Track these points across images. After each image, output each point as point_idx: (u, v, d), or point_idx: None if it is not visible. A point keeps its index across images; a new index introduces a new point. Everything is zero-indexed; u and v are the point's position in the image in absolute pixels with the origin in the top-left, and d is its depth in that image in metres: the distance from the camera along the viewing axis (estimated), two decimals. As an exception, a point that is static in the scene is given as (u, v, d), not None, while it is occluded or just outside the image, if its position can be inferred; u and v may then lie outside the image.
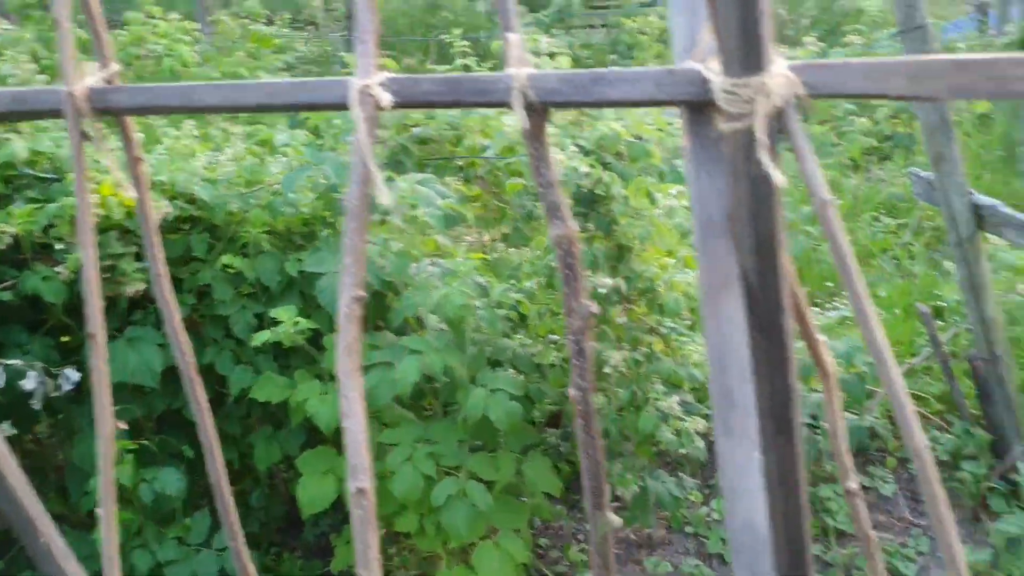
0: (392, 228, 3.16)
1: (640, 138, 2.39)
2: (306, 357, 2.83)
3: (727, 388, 0.86)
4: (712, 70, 0.75)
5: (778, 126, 0.74)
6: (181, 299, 2.73)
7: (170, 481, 2.66)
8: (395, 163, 3.00)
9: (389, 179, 2.83)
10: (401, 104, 0.83)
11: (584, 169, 2.31)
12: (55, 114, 0.99)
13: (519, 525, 2.68)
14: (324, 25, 10.59)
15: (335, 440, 2.76)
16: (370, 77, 0.82)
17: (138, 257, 2.60)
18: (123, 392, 2.71)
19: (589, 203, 2.42)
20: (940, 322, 3.91)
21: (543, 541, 3.13)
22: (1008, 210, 2.65)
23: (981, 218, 2.73)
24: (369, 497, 0.91)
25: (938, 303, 4.00)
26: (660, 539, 3.01)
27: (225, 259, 2.69)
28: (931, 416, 3.37)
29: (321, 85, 0.86)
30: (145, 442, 2.66)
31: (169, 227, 2.76)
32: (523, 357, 2.65)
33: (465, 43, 4.81)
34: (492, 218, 3.62)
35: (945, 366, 3.11)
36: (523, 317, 2.94)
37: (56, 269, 2.41)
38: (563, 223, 0.84)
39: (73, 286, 2.49)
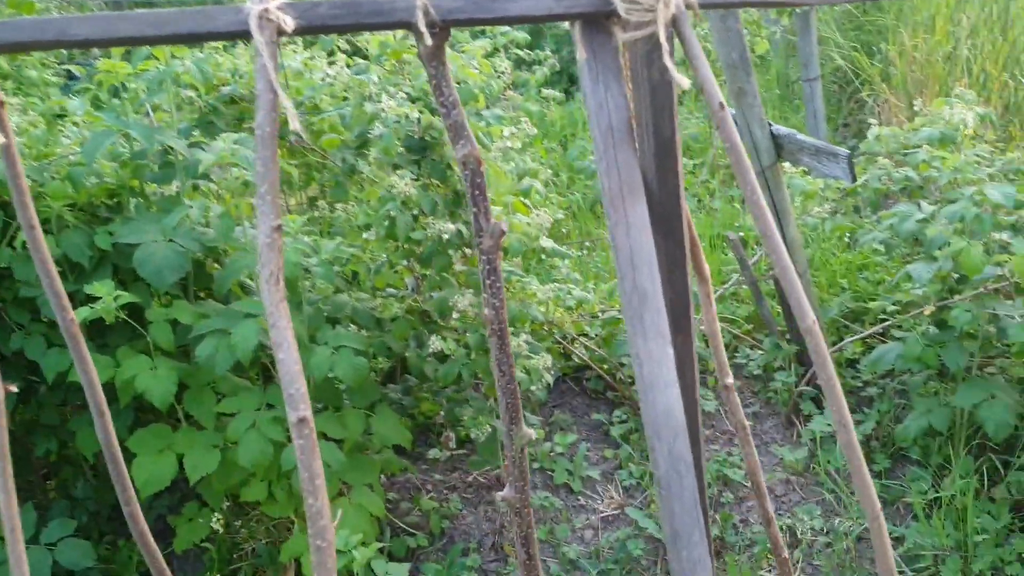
0: (209, 192, 3.03)
1: (465, 83, 2.40)
2: (126, 333, 2.67)
3: (640, 287, 0.90)
4: (611, -19, 0.78)
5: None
6: (-23, 284, 2.50)
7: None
8: (206, 124, 2.86)
9: (198, 143, 2.70)
10: (299, 26, 0.80)
11: (414, 115, 2.30)
12: None
13: (371, 480, 2.68)
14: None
15: (169, 416, 2.64)
16: (269, 1, 0.79)
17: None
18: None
19: (421, 150, 2.41)
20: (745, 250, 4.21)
21: (392, 495, 3.13)
22: (803, 137, 2.88)
23: (780, 147, 2.95)
24: (310, 425, 0.89)
25: (739, 235, 4.29)
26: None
27: (24, 236, 2.48)
28: (743, 336, 3.63)
29: (217, 12, 0.82)
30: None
31: (-45, 206, 2.51)
32: (363, 312, 2.62)
33: None
34: (307, 175, 3.53)
35: (754, 287, 3.35)
36: (355, 274, 2.91)
37: None
38: (468, 143, 0.84)
39: None
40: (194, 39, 0.84)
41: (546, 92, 4.72)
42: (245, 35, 0.81)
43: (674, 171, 0.83)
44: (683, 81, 0.77)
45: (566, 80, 7.16)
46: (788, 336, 3.33)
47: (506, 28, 4.97)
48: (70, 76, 5.20)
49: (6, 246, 2.54)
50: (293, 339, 0.88)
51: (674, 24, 0.76)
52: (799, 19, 4.70)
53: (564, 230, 4.95)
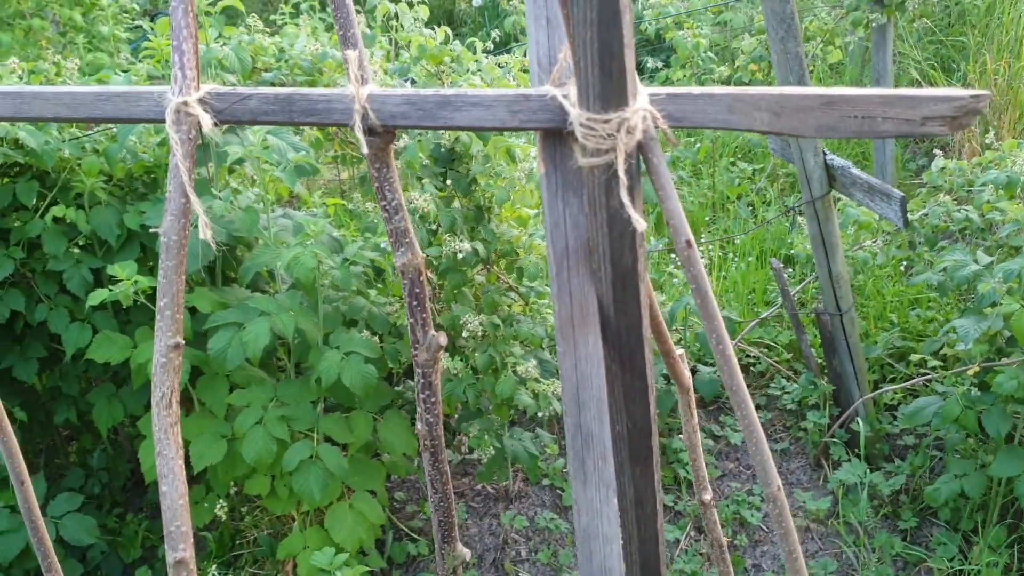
0: (243, 177, 3.00)
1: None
2: (148, 313, 2.67)
3: (585, 428, 0.83)
4: (571, 99, 0.70)
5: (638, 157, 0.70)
6: (8, 252, 2.52)
7: None
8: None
9: (231, 130, 2.67)
10: (225, 122, 0.74)
11: (444, 127, 2.22)
12: None
13: (375, 486, 2.65)
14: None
15: (183, 399, 2.64)
16: (190, 93, 0.73)
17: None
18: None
19: (448, 161, 2.35)
20: (790, 270, 4.07)
21: (399, 495, 3.11)
22: (857, 171, 2.73)
23: (833, 178, 2.81)
24: (189, 567, 0.83)
25: (790, 252, 4.15)
26: (517, 492, 3.04)
27: (57, 210, 2.48)
28: (779, 365, 3.51)
29: (137, 98, 0.76)
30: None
31: (-8, 173, 2.53)
32: (379, 317, 2.58)
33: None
34: (351, 156, 3.50)
35: (795, 319, 3.22)
36: (379, 272, 2.87)
37: None
38: (410, 250, 0.77)
39: None
40: (113, 122, 0.78)
41: (443, 89, 4.60)
42: (157, 121, 0.75)
43: (635, 300, 0.75)
44: (640, 223, 0.69)
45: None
46: (826, 373, 3.21)
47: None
48: (142, 32, 5.24)
49: (39, 218, 2.55)
50: (181, 470, 0.83)
51: (640, 150, 0.68)
52: (876, 31, 4.49)
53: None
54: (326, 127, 0.73)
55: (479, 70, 2.55)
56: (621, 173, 0.67)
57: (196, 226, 2.50)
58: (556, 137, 0.75)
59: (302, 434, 2.57)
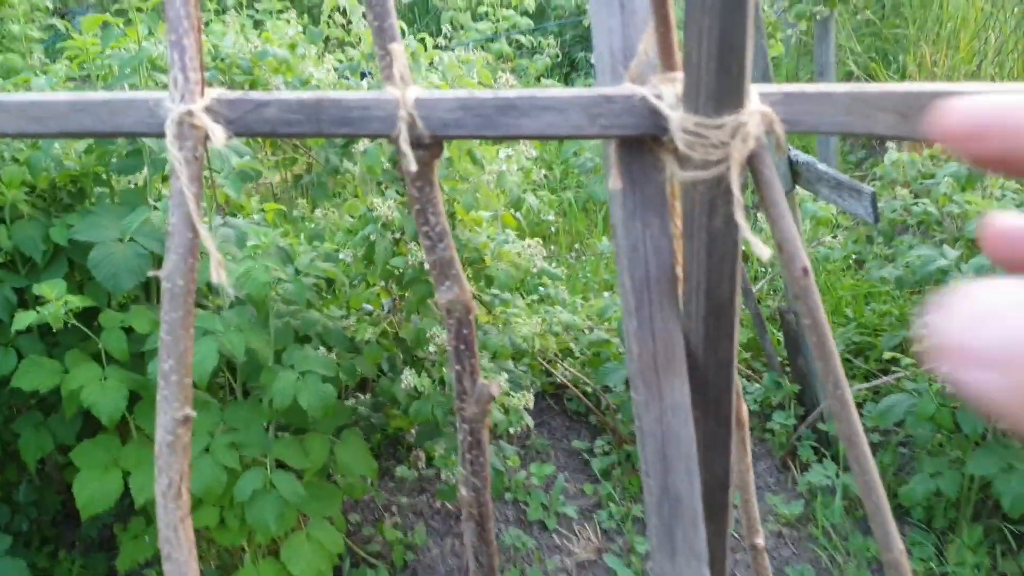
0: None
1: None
2: (78, 335, 2.46)
3: (672, 492, 0.70)
4: (665, 99, 0.58)
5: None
6: (-83, 274, 2.28)
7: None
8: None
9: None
10: (239, 134, 0.59)
11: (404, 129, 2.08)
12: None
13: (332, 512, 2.49)
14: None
15: (119, 427, 2.44)
16: (194, 100, 0.58)
17: None
18: None
19: (408, 165, 2.19)
20: (748, 267, 4.02)
21: (354, 517, 2.95)
22: (823, 167, 2.67)
23: (797, 174, 2.75)
24: None
25: (749, 250, 4.11)
26: (480, 509, 2.91)
27: (-27, 226, 2.26)
28: (740, 364, 3.45)
29: (127, 105, 0.60)
30: None
31: None
32: (334, 331, 2.42)
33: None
34: (285, 159, 3.33)
35: (756, 317, 3.16)
36: (330, 283, 2.70)
37: None
38: (457, 284, 0.64)
39: None
40: (93, 136, 0.63)
41: (545, 82, 4.50)
42: (155, 135, 0.60)
43: (729, 337, 0.64)
44: (763, 251, 0.57)
45: (567, 66, 6.92)
46: (789, 372, 3.15)
47: (508, 11, 4.72)
48: (55, 31, 4.93)
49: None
50: (195, 573, 0.68)
51: (750, 162, 0.57)
52: (818, 24, 4.48)
53: (553, 229, 4.75)
54: (362, 137, 0.60)
55: (433, 68, 2.41)
56: (735, 188, 0.55)
57: (130, 240, 2.30)
58: (637, 146, 0.62)
59: (253, 460, 2.39)
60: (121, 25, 2.46)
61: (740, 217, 0.58)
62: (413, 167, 0.60)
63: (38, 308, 2.17)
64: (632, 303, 0.66)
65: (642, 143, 0.62)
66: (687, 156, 0.57)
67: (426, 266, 2.12)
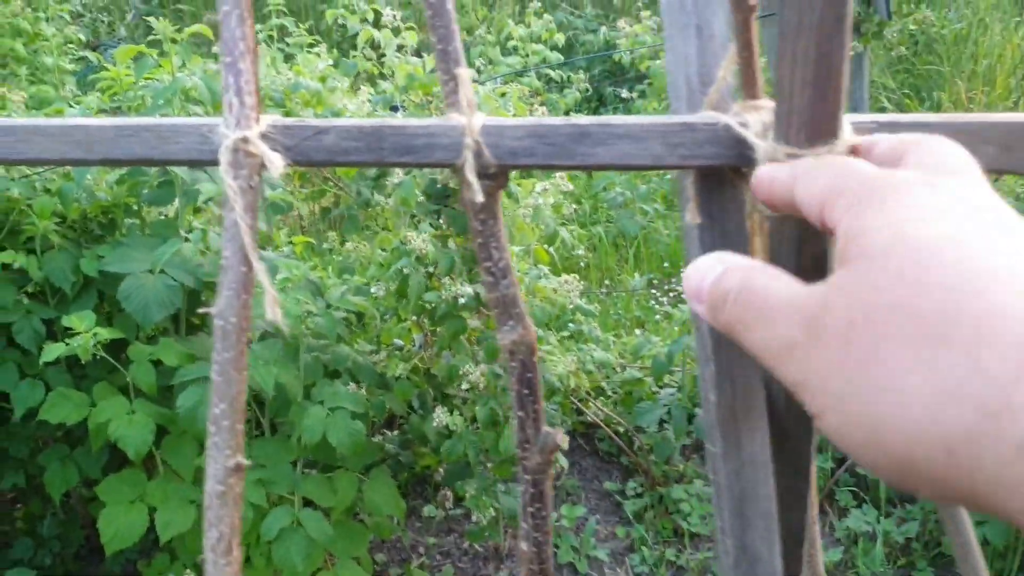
0: (210, 217, 2.79)
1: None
2: (106, 367, 2.43)
3: (751, 551, 0.65)
4: (751, 128, 0.53)
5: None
6: (-52, 304, 2.26)
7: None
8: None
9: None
10: (296, 163, 0.56)
11: (439, 162, 2.05)
12: None
13: (359, 552, 2.43)
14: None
15: (145, 461, 2.40)
16: (250, 125, 0.54)
17: None
18: None
19: (442, 198, 2.17)
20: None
21: (380, 557, 2.89)
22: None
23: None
24: None
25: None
26: (509, 550, 2.84)
27: (5, 256, 2.24)
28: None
29: (174, 132, 0.57)
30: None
31: (-70, 217, 2.29)
32: (365, 367, 2.38)
33: (280, 0, 4.36)
34: (314, 191, 3.30)
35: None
36: (360, 317, 2.67)
37: None
38: (520, 324, 0.60)
39: None
40: (141, 164, 0.60)
41: (575, 117, 4.47)
42: (207, 163, 0.57)
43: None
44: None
45: (595, 100, 6.92)
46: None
47: (537, 46, 4.72)
48: (88, 63, 4.99)
49: (-19, 263, 2.31)
50: None
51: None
52: (852, 61, 4.45)
53: (583, 264, 4.70)
54: (426, 167, 0.58)
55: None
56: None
57: (160, 272, 2.28)
58: (718, 178, 0.58)
59: (280, 498, 2.35)
60: (155, 56, 2.46)
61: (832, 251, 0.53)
62: (479, 198, 0.57)
63: (67, 340, 2.15)
64: (710, 347, 0.61)
65: (723, 175, 0.58)
66: (775, 190, 0.53)
67: (460, 300, 2.08)
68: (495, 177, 0.57)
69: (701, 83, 0.58)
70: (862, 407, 0.37)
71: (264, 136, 0.56)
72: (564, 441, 0.64)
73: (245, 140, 0.55)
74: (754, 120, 0.54)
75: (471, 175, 0.56)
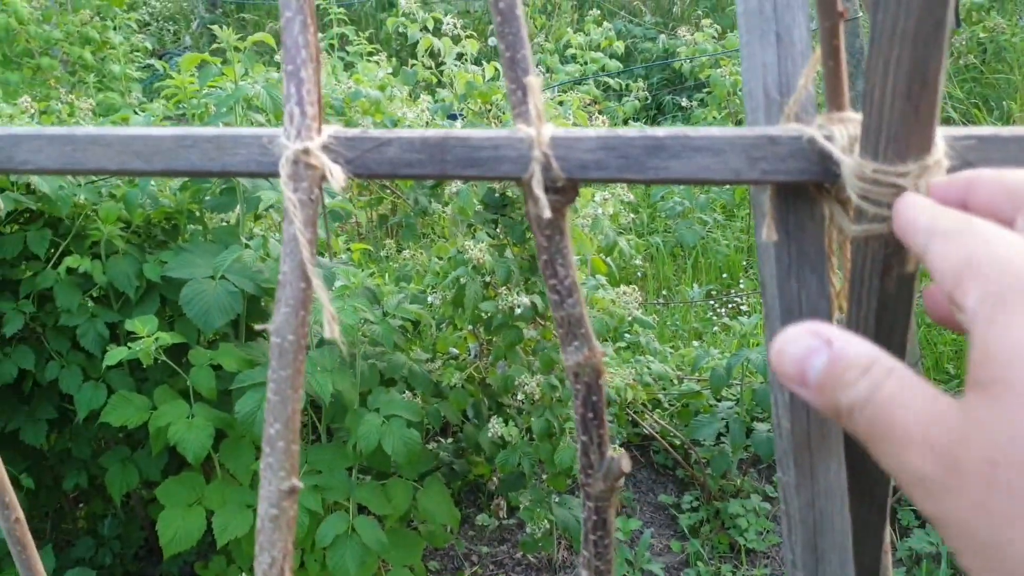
0: (270, 224, 2.82)
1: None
2: (167, 371, 2.47)
3: (825, 591, 0.63)
4: (836, 141, 0.51)
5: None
6: (19, 306, 2.32)
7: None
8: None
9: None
10: (358, 175, 0.55)
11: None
12: None
13: (413, 560, 2.42)
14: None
15: (204, 465, 2.43)
16: (311, 136, 0.54)
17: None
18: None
19: (500, 207, 2.16)
20: (840, 317, 3.87)
21: (434, 565, 2.88)
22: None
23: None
24: None
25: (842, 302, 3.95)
26: (562, 562, 2.81)
27: (71, 260, 2.29)
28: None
29: (235, 142, 0.56)
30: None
31: (1, 221, 2.34)
32: (420, 375, 2.37)
33: (341, 10, 4.41)
34: (371, 199, 3.32)
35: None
36: (416, 325, 2.67)
37: None
38: (587, 344, 0.58)
39: None
40: (200, 175, 0.59)
41: (634, 125, 4.44)
42: (267, 175, 0.56)
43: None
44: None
45: (654, 108, 6.86)
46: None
47: (596, 54, 4.68)
48: (154, 71, 5.09)
49: (51, 268, 2.36)
50: None
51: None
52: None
53: (640, 274, 4.65)
54: (491, 180, 0.56)
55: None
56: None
57: (221, 278, 2.30)
58: (797, 194, 0.55)
59: (335, 504, 2.36)
60: (219, 64, 2.50)
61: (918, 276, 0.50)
62: (547, 213, 0.55)
63: (130, 344, 2.18)
64: (784, 371, 0.58)
65: (803, 191, 0.55)
66: (860, 207, 0.50)
67: (517, 310, 2.07)
68: (564, 191, 0.55)
69: (780, 94, 0.56)
70: (1014, 563, 0.33)
71: (325, 148, 0.55)
72: (628, 466, 0.61)
73: (306, 152, 0.54)
74: (839, 133, 0.51)
75: (539, 189, 0.54)
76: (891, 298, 0.53)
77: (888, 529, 0.74)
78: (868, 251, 0.52)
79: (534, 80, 0.54)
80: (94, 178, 2.45)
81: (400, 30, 2.50)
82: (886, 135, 0.48)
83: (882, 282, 0.52)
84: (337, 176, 0.53)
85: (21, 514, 0.79)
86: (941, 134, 0.49)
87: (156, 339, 2.17)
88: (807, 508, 0.60)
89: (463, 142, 0.55)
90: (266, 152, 0.56)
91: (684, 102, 5.12)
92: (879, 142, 0.48)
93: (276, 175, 0.55)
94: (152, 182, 2.48)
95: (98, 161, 0.59)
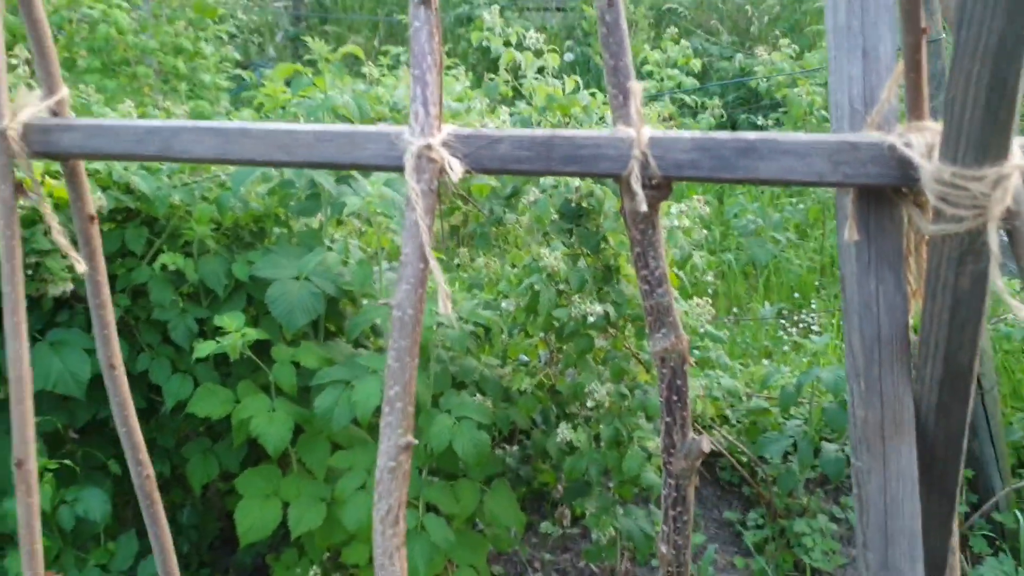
0: (351, 226, 2.91)
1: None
2: (250, 366, 2.57)
3: (893, 567, 0.66)
4: (915, 148, 0.55)
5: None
6: (115, 300, 2.44)
7: (94, 504, 2.38)
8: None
9: (347, 178, 2.56)
10: (471, 170, 0.60)
11: (575, 180, 2.09)
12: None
13: (478, 561, 2.47)
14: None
15: (281, 458, 2.52)
16: (433, 134, 0.59)
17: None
18: (44, 400, 2.42)
19: (576, 217, 2.21)
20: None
21: (497, 569, 2.93)
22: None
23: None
24: None
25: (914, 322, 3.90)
26: (624, 573, 2.84)
27: (165, 258, 2.40)
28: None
29: (365, 138, 0.63)
30: (67, 462, 2.37)
31: (101, 218, 2.47)
32: (491, 380, 2.43)
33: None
34: (447, 209, 3.39)
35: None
36: (487, 331, 2.73)
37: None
38: (674, 332, 0.62)
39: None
40: (332, 167, 0.65)
41: (741, 132, 4.44)
42: (392, 169, 0.62)
43: (963, 405, 0.59)
44: (1019, 309, 0.53)
45: (729, 126, 6.84)
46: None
47: (673, 71, 4.71)
48: (241, 81, 5.29)
49: (146, 264, 2.48)
50: None
51: (1006, 218, 0.53)
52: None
53: (711, 291, 4.65)
54: (593, 176, 0.61)
55: (603, 122, 2.43)
56: (992, 244, 0.52)
57: (305, 279, 2.39)
58: (877, 197, 0.59)
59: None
60: (310, 75, 2.60)
61: (996, 275, 0.54)
62: (643, 207, 0.60)
63: (218, 339, 2.28)
64: (861, 363, 0.62)
65: (883, 194, 0.59)
66: (937, 209, 0.54)
67: (589, 319, 2.11)
68: (659, 188, 0.60)
69: (865, 104, 0.60)
70: None
71: (445, 144, 0.60)
72: (708, 447, 0.65)
73: (428, 147, 0.59)
74: (918, 141, 0.55)
75: (637, 185, 0.59)
76: (965, 294, 0.56)
77: (959, 555, 0.76)
78: (944, 249, 0.56)
79: (635, 85, 0.59)
80: (188, 180, 2.57)
81: (483, 44, 2.57)
82: (965, 142, 0.52)
83: (957, 279, 0.56)
84: (456, 169, 0.59)
85: (152, 471, 0.87)
86: (1018, 142, 0.53)
87: (243, 335, 2.27)
88: (878, 492, 0.64)
89: (568, 141, 0.61)
90: (393, 147, 0.62)
91: (759, 120, 5.11)
92: (958, 148, 0.52)
93: (400, 169, 0.61)
94: (243, 189, 2.59)
95: (246, 152, 0.66)
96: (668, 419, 0.65)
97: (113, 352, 0.97)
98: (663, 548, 0.69)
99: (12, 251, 0.77)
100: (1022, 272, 0.57)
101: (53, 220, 0.82)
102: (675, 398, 0.64)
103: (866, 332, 0.64)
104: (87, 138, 0.70)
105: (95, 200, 2.22)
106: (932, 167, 0.53)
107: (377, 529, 0.64)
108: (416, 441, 0.65)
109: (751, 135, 0.58)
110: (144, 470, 0.80)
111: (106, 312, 0.88)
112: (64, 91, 0.74)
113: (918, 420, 0.62)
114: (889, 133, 0.57)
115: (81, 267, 0.82)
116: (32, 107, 0.73)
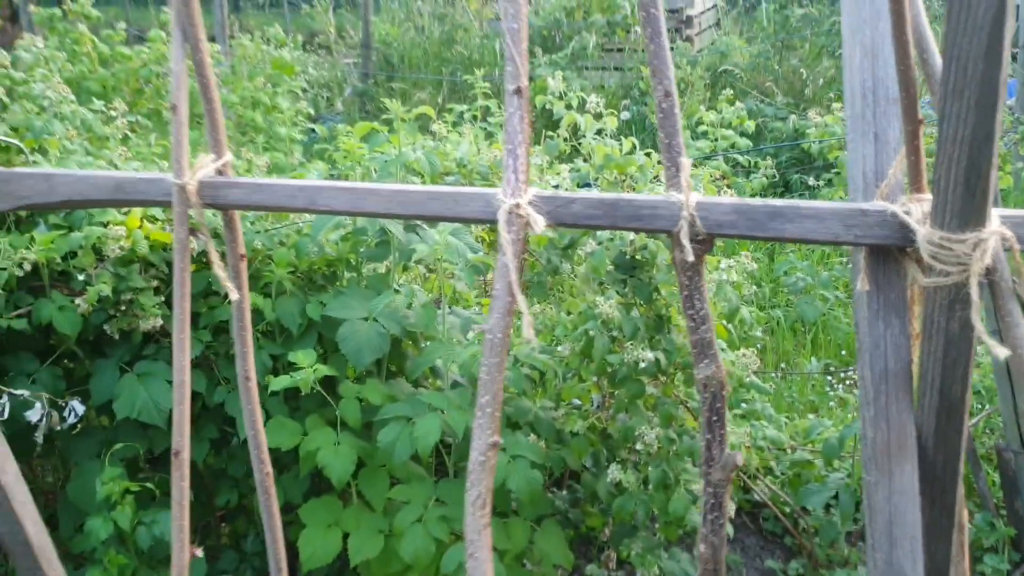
0: (416, 274, 3.08)
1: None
2: (318, 401, 2.73)
3: (896, 567, 0.77)
4: (913, 216, 0.68)
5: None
6: (197, 335, 2.63)
7: (169, 526, 2.53)
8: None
9: (415, 227, 2.73)
10: (551, 224, 0.75)
11: (630, 235, 2.23)
12: (161, 203, 0.90)
13: (528, 597, 2.58)
14: (337, 51, 10.53)
15: (342, 491, 2.66)
16: (521, 195, 0.74)
17: (157, 291, 2.51)
18: (127, 428, 2.61)
19: (630, 268, 2.34)
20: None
21: (545, 607, 3.01)
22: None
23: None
24: None
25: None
26: (669, 616, 2.91)
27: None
28: (949, 505, 3.29)
29: (466, 199, 0.78)
30: (147, 484, 2.54)
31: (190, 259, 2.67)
32: (544, 421, 2.55)
33: (486, 84, 4.73)
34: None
35: (971, 455, 3.04)
36: (542, 375, 2.86)
37: (76, 301, 2.30)
38: (714, 362, 0.76)
39: (89, 318, 2.39)
40: (439, 220, 0.80)
41: (770, 199, 4.55)
42: (487, 222, 0.77)
43: (958, 433, 0.71)
44: (999, 351, 0.65)
45: (781, 186, 6.94)
46: (1004, 515, 2.99)
47: (727, 131, 4.85)
48: (312, 132, 5.56)
49: (227, 303, 2.67)
50: (491, 573, 0.81)
51: (988, 273, 0.66)
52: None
53: (759, 346, 4.72)
54: (649, 232, 0.74)
55: (658, 180, 2.57)
56: (974, 296, 0.64)
57: (373, 320, 2.55)
58: (884, 255, 0.73)
59: (458, 536, 2.54)
60: (386, 132, 2.80)
61: (976, 320, 0.66)
62: (690, 258, 0.73)
63: (292, 374, 2.45)
64: (871, 393, 0.75)
65: (889, 252, 0.72)
66: (930, 265, 0.67)
67: (640, 365, 2.24)
68: (703, 243, 0.74)
69: (875, 178, 0.73)
70: None
71: (531, 203, 0.75)
72: (741, 460, 0.78)
73: (518, 206, 0.74)
74: (916, 209, 0.68)
75: (685, 240, 0.73)
76: (956, 336, 0.69)
77: (966, 549, 0.87)
78: (937, 298, 0.68)
79: (686, 161, 0.74)
80: (269, 227, 2.77)
81: (547, 107, 2.75)
82: (950, 212, 0.65)
83: (948, 323, 0.68)
84: (539, 223, 0.74)
85: (271, 469, 1.02)
86: (996, 213, 0.66)
87: (315, 370, 2.43)
88: (884, 502, 0.76)
89: (630, 203, 0.75)
90: (489, 205, 0.77)
91: (812, 181, 5.21)
92: (945, 217, 0.65)
93: (493, 223, 0.76)
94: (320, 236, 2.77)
95: (372, 206, 0.82)
96: (708, 436, 0.78)
97: (249, 366, 1.18)
98: (703, 547, 0.81)
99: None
100: (999, 320, 0.69)
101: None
102: (715, 418, 0.76)
103: (875, 367, 0.76)
104: (249, 194, 0.86)
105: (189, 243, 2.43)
106: (925, 231, 0.66)
107: (468, 512, 0.78)
108: (501, 441, 0.79)
109: (779, 202, 0.72)
110: (265, 467, 0.97)
111: (247, 334, 1.05)
112: (228, 156, 0.91)
113: (920, 444, 0.74)
114: (893, 202, 0.70)
115: (234, 295, 0.98)
116: (207, 167, 0.90)
